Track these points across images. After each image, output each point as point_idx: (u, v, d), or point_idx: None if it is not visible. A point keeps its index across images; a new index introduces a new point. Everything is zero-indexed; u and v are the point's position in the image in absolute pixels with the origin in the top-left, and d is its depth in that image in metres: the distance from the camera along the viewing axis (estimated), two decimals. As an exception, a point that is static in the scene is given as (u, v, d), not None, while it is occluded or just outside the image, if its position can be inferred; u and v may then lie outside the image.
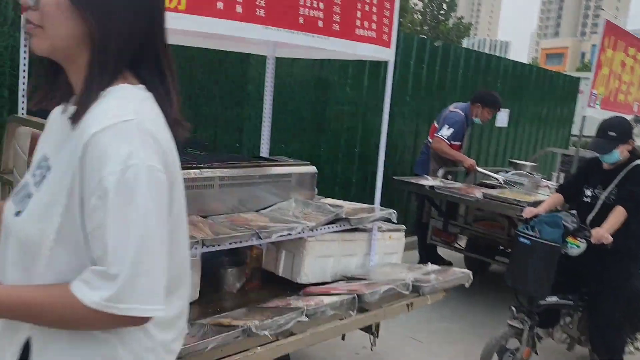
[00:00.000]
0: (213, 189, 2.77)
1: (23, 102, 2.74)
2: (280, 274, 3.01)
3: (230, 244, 2.44)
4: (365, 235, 3.18)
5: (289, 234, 2.59)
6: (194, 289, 2.69)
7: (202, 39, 3.31)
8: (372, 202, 3.25)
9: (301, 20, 2.50)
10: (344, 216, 2.89)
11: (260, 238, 2.51)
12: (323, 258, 2.97)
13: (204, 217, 2.74)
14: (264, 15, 2.34)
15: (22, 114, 2.75)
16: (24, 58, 2.69)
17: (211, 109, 4.55)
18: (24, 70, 2.70)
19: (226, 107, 4.66)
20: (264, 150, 3.71)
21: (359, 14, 2.79)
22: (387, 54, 3.03)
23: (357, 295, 2.51)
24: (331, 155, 5.69)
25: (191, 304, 2.71)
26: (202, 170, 2.74)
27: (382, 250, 3.30)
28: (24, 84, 2.72)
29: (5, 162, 2.68)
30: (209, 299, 2.78)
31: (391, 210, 3.10)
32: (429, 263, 3.20)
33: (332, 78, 5.53)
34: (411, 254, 5.85)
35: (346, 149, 5.82)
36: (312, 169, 3.25)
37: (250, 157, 3.20)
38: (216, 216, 2.77)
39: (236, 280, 2.92)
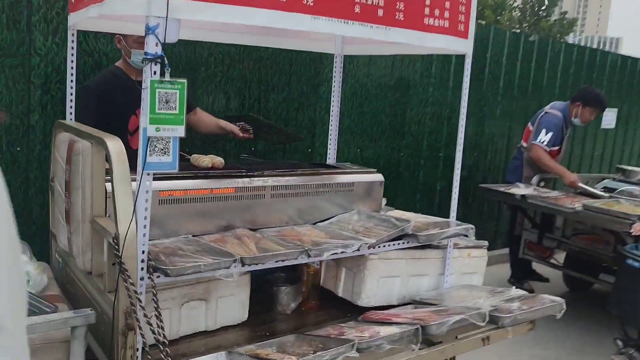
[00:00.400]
0: (264, 199, 2.52)
1: (71, 107, 2.64)
2: (340, 295, 2.70)
3: (275, 262, 2.16)
4: (439, 253, 2.80)
5: (343, 252, 2.28)
6: (243, 308, 2.45)
7: (260, 36, 3.09)
8: (458, 211, 2.87)
9: (357, 9, 2.18)
10: (410, 232, 2.53)
11: (309, 256, 2.22)
12: (388, 278, 2.63)
13: (254, 230, 2.49)
14: (312, 4, 2.05)
15: (70, 119, 2.65)
16: (72, 61, 2.58)
17: (281, 113, 4.33)
18: (72, 74, 2.59)
19: (297, 110, 4.42)
20: (331, 156, 3.42)
21: (428, 1, 2.43)
22: (464, 46, 2.64)
23: (421, 326, 2.15)
24: (412, 160, 5.31)
25: (239, 325, 2.50)
26: (252, 179, 2.49)
27: (459, 270, 2.90)
28: (72, 87, 2.61)
29: (53, 169, 2.58)
30: (260, 320, 2.53)
31: (468, 226, 2.69)
32: (513, 287, 2.76)
33: (413, 78, 5.15)
34: (503, 267, 5.35)
35: (429, 154, 5.41)
36: (378, 177, 2.92)
37: (309, 164, 2.92)
38: (267, 229, 2.52)
39: (291, 299, 2.65)
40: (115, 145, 1.91)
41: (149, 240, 2.21)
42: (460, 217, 2.82)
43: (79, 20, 2.35)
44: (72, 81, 2.60)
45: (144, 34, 2.95)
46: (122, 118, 3.07)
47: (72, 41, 2.57)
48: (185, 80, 1.83)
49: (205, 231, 2.40)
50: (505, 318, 2.32)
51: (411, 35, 2.38)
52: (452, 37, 2.54)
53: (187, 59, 3.83)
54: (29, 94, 3.29)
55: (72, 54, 2.58)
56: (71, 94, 2.61)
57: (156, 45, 1.77)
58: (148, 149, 1.81)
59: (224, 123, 3.27)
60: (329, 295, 2.74)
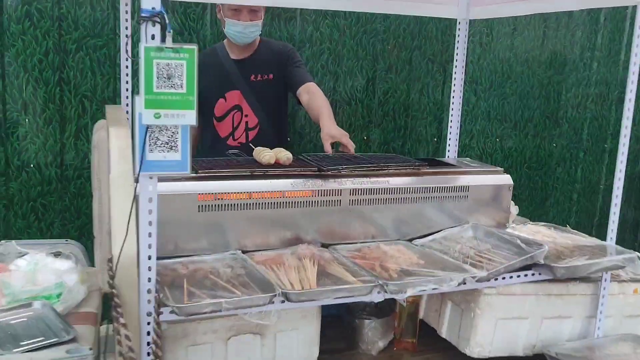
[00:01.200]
0: (340, 206, 1.93)
1: (127, 90, 2.26)
2: (443, 336, 2.04)
3: (335, 299, 1.57)
4: (588, 287, 2.01)
5: (435, 289, 1.62)
6: (310, 346, 1.90)
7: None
8: (631, 216, 2.07)
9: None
10: (542, 261, 1.79)
11: (385, 292, 1.59)
12: (510, 320, 1.91)
13: (326, 246, 1.92)
14: None
15: (127, 104, 2.28)
16: (126, 36, 2.20)
17: (401, 95, 3.68)
18: (127, 51, 2.21)
19: (421, 93, 3.74)
20: (451, 149, 2.73)
21: None
22: (635, -7, 1.82)
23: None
24: (569, 153, 4.34)
25: (306, 366, 1.95)
26: (324, 180, 1.92)
27: (619, 312, 2.08)
28: (127, 67, 2.23)
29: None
30: (335, 361, 1.97)
31: (633, 255, 1.87)
32: None
33: (571, 51, 4.18)
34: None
35: (591, 146, 4.39)
36: (505, 179, 2.17)
37: (406, 159, 2.24)
38: (345, 245, 1.94)
39: (377, 336, 2.04)
40: (118, 135, 1.45)
41: (185, 257, 1.77)
42: (633, 225, 2.06)
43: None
44: (127, 59, 2.22)
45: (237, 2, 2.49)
46: (208, 101, 2.68)
47: (126, 12, 2.18)
48: (194, 47, 1.31)
49: (265, 245, 1.88)
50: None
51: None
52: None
53: (288, 35, 3.34)
54: (114, 77, 3.03)
55: (127, 27, 2.20)
56: (127, 75, 2.23)
57: (153, -3, 1.27)
58: (147, 143, 1.32)
59: (327, 122, 2.34)
60: (430, 333, 2.09)
